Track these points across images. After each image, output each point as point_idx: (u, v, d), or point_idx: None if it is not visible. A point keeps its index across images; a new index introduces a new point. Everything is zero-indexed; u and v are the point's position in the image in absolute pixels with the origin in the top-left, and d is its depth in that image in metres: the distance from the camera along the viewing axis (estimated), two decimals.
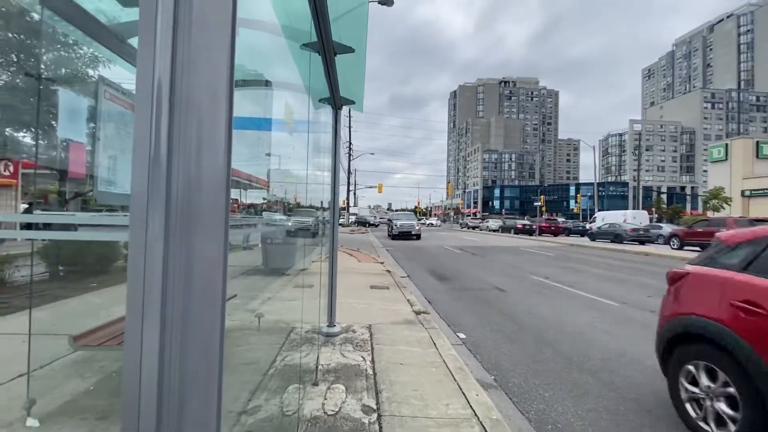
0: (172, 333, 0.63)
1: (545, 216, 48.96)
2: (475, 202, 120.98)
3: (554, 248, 20.94)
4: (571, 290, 8.31)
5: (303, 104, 3.77)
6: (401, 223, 24.32)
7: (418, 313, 5.57)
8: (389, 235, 25.43)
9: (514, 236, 33.45)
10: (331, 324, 4.56)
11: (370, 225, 53.62)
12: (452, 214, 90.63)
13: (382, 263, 11.27)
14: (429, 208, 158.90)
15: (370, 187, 55.39)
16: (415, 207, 76.04)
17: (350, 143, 47.03)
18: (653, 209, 51.27)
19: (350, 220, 47.86)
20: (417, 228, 24.23)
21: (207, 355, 0.65)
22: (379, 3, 11.33)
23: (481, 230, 46.22)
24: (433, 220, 61.11)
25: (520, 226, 36.51)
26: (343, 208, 48.24)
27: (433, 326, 4.95)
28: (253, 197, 5.78)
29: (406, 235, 23.99)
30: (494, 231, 42.25)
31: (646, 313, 6.38)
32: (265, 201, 6.09)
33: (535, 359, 4.28)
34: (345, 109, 4.99)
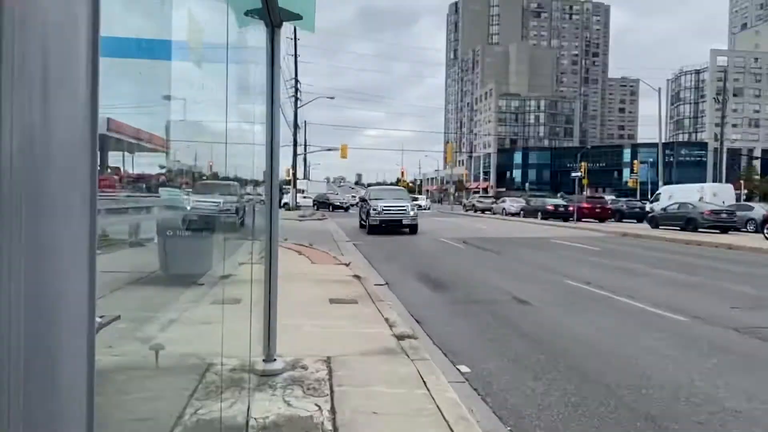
0: (10, 378, 0.61)
1: (587, 192, 50.07)
2: (486, 173, 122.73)
3: (600, 240, 21.58)
4: (622, 300, 8.64)
5: (219, 17, 3.67)
6: (385, 206, 21.44)
7: (401, 337, 5.70)
8: (363, 225, 23.21)
9: (542, 222, 34.54)
10: (269, 357, 4.55)
11: (337, 208, 51.77)
12: (452, 190, 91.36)
13: (346, 265, 11.40)
14: (418, 182, 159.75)
15: (330, 150, 54.44)
16: (398, 179, 76.28)
17: (297, 81, 46.37)
18: (742, 182, 53.55)
19: (296, 202, 47.22)
20: (412, 214, 21.64)
21: (66, 410, 0.63)
22: None
23: (494, 214, 47.07)
24: (422, 201, 60.58)
25: (551, 207, 37.61)
26: (288, 182, 47.79)
27: (423, 356, 5.05)
28: (145, 164, 5.62)
29: (393, 226, 21.41)
30: (513, 215, 43.16)
31: (731, 333, 6.72)
32: (164, 170, 5.93)
33: (570, 401, 4.45)
34: (288, 28, 4.89)
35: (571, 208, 36.32)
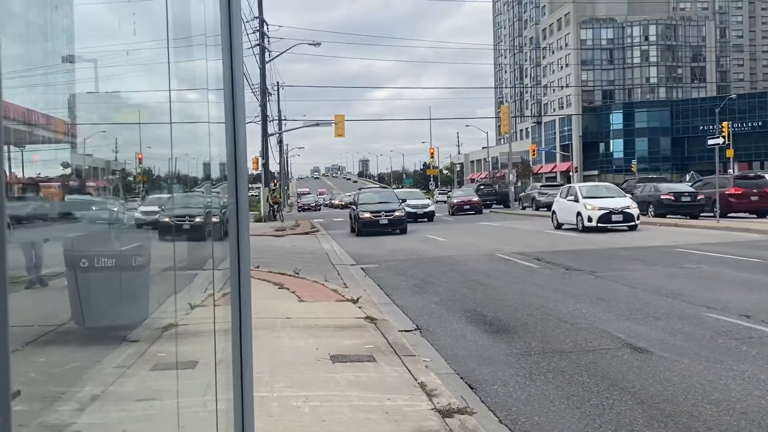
0: None
1: (735, 170, 48.40)
2: (566, 147, 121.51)
3: (762, 245, 21.31)
4: None
5: None
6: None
7: (448, 413, 5.77)
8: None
9: (657, 222, 33.88)
10: None
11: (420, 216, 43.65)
12: (512, 176, 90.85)
13: (354, 301, 11.49)
14: (457, 167, 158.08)
15: (317, 125, 55.20)
16: (425, 165, 76.27)
17: (262, 21, 46.61)
18: None
19: (275, 208, 47.50)
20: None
21: None
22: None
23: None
24: (423, 197, 49.28)
25: (668, 197, 36.59)
26: (256, 181, 47.85)
27: None
28: (40, 163, 5.65)
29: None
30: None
31: None
32: (70, 170, 5.97)
33: None
34: None
35: (701, 197, 35.57)
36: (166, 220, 8.12)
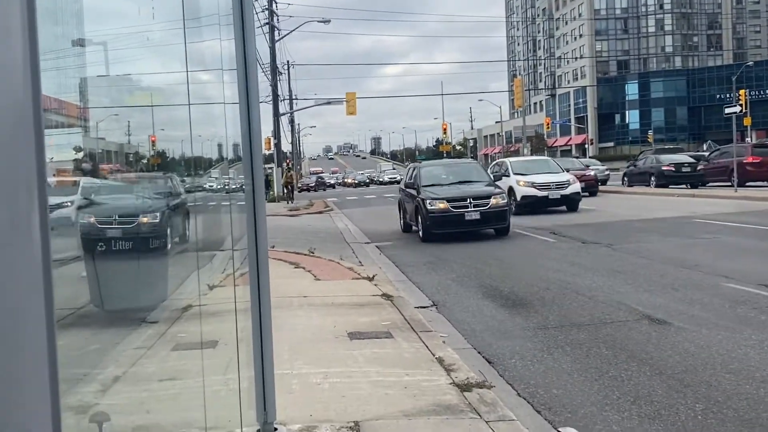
0: None
1: (753, 138, 47.71)
2: (581, 119, 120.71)
3: None
4: None
5: None
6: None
7: (466, 387, 5.85)
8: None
9: (668, 193, 33.85)
10: (266, 423, 4.63)
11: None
12: (527, 150, 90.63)
13: (369, 279, 11.63)
14: (470, 142, 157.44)
15: (329, 103, 55.14)
16: (438, 141, 75.76)
17: None
18: None
19: (285, 188, 47.66)
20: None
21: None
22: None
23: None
24: (558, 169, 41.96)
25: (668, 168, 37.31)
26: (268, 161, 47.85)
27: (504, 415, 5.14)
28: (54, 147, 5.70)
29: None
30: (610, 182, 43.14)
31: None
32: (83, 154, 6.02)
33: None
34: None
35: (701, 168, 36.21)
36: (91, 221, 7.26)
